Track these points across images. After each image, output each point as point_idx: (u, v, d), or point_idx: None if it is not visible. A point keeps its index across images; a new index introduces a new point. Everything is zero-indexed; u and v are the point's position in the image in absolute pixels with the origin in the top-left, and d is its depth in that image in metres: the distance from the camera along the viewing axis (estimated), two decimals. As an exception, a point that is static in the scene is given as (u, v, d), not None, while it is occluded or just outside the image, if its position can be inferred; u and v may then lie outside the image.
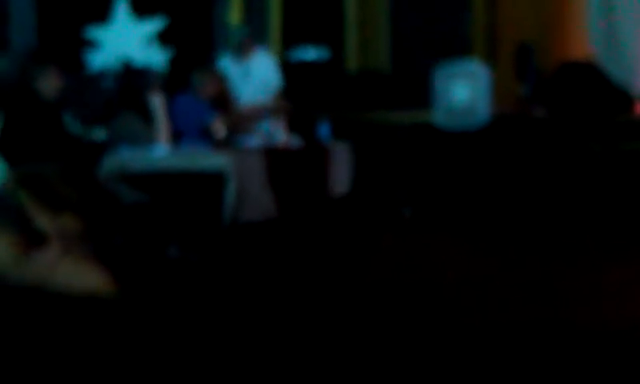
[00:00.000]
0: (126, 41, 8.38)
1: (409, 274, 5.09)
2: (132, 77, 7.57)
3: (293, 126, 6.38)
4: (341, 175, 6.23)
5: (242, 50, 6.67)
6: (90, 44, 8.37)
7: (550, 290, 4.65)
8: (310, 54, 8.77)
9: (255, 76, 6.65)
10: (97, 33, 8.40)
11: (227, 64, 6.69)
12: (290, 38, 8.73)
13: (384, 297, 4.52)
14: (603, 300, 4.40)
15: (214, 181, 5.43)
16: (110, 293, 3.58)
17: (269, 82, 6.69)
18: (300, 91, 8.43)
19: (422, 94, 7.84)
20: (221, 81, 6.37)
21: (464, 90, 7.62)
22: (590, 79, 7.54)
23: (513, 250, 5.80)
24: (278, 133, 6.16)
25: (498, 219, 6.88)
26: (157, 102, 5.81)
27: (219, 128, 5.98)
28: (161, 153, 5.56)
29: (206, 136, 5.97)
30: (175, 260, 5.20)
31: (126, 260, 4.90)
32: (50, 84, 5.47)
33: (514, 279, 4.93)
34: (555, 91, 7.66)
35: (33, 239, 3.16)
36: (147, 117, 5.88)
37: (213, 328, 3.79)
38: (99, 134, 6.32)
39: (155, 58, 8.29)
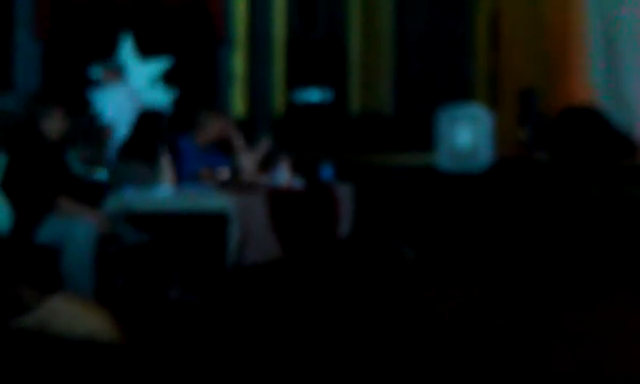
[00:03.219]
0: (131, 80, 8.44)
1: (411, 316, 5.07)
2: (140, 120, 7.61)
3: (296, 168, 6.39)
4: (344, 217, 6.23)
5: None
6: (95, 83, 8.42)
7: (551, 333, 4.64)
8: (314, 95, 8.82)
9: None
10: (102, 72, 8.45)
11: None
12: (294, 80, 8.78)
13: (387, 338, 4.51)
14: (604, 342, 4.39)
15: (217, 222, 5.44)
16: (112, 335, 3.56)
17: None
18: (303, 132, 8.46)
19: (425, 137, 7.87)
20: (225, 122, 6.39)
21: (466, 134, 7.64)
22: (592, 124, 7.57)
23: (514, 293, 5.79)
24: (282, 174, 6.18)
25: (499, 262, 6.87)
26: (164, 158, 5.82)
27: (223, 170, 5.99)
28: (164, 193, 5.57)
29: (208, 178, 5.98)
30: (177, 301, 5.19)
31: (127, 301, 4.89)
32: (54, 124, 5.48)
33: (515, 322, 4.92)
34: (557, 135, 7.68)
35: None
36: (152, 158, 5.89)
37: (215, 371, 3.78)
38: (102, 174, 6.34)
39: (160, 98, 8.34)
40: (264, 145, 6.38)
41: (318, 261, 5.97)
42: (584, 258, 6.79)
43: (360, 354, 4.20)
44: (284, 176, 6.17)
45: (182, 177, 5.88)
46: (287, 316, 4.99)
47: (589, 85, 8.03)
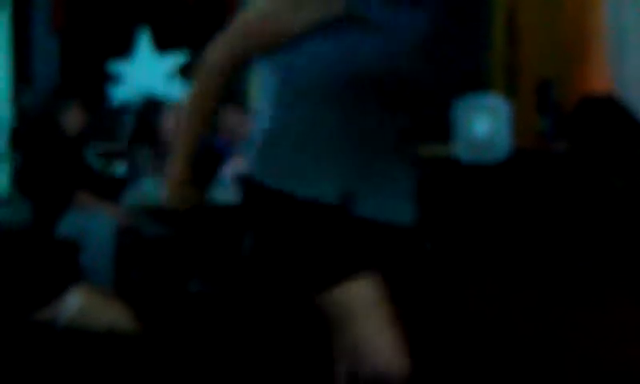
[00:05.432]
0: (149, 75, 8.45)
1: (426, 309, 5.06)
2: (153, 110, 7.62)
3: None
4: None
5: None
6: (113, 78, 8.44)
7: (571, 328, 4.62)
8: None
9: None
10: (119, 67, 8.47)
11: None
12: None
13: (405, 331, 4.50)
14: (628, 342, 4.36)
15: (236, 214, 5.44)
16: (131, 327, 3.58)
17: None
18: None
19: (442, 128, 7.84)
20: (241, 115, 6.39)
21: (484, 124, 7.61)
22: (612, 113, 7.52)
23: (532, 285, 5.77)
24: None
25: (517, 254, 6.85)
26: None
27: (241, 162, 6.00)
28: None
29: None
30: (197, 294, 5.20)
31: (146, 294, 4.91)
32: (73, 119, 5.51)
33: (534, 314, 4.90)
34: (576, 125, 7.64)
35: None
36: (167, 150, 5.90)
37: (237, 363, 3.79)
38: (120, 168, 6.36)
39: (177, 92, 8.35)
40: None
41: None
42: (606, 251, 6.76)
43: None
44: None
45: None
46: (305, 306, 4.98)
47: (607, 73, 7.97)
